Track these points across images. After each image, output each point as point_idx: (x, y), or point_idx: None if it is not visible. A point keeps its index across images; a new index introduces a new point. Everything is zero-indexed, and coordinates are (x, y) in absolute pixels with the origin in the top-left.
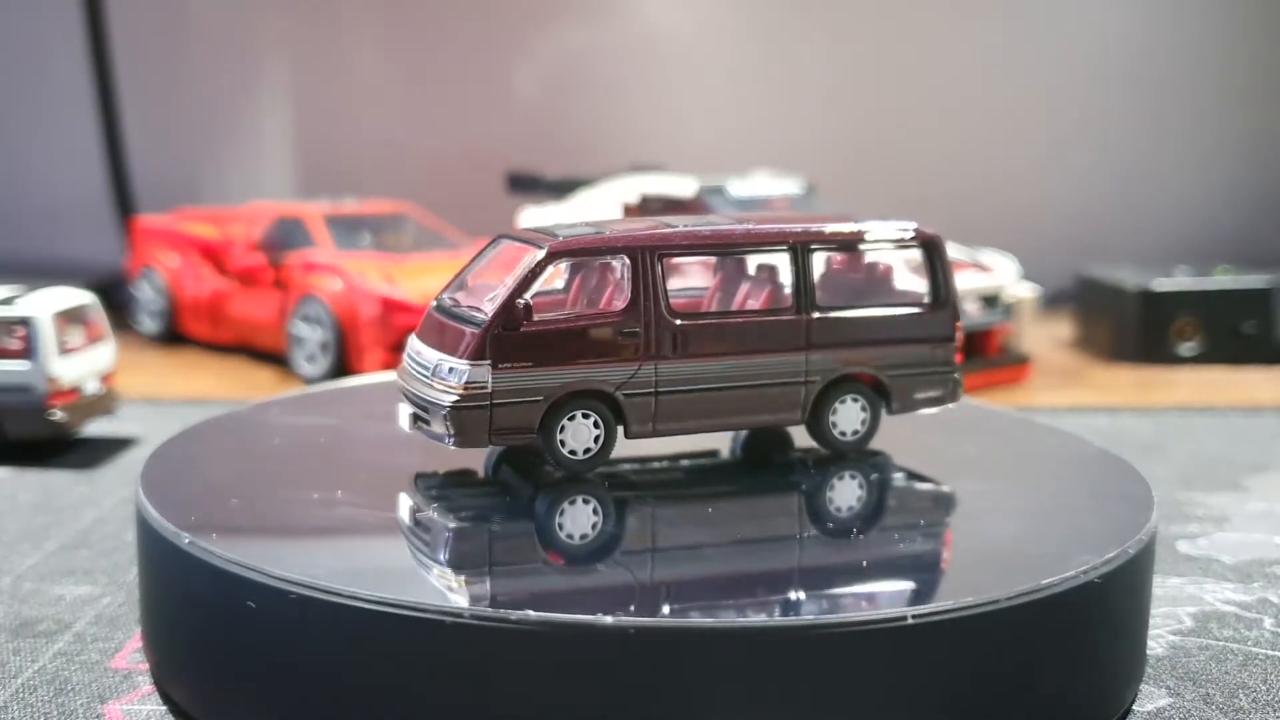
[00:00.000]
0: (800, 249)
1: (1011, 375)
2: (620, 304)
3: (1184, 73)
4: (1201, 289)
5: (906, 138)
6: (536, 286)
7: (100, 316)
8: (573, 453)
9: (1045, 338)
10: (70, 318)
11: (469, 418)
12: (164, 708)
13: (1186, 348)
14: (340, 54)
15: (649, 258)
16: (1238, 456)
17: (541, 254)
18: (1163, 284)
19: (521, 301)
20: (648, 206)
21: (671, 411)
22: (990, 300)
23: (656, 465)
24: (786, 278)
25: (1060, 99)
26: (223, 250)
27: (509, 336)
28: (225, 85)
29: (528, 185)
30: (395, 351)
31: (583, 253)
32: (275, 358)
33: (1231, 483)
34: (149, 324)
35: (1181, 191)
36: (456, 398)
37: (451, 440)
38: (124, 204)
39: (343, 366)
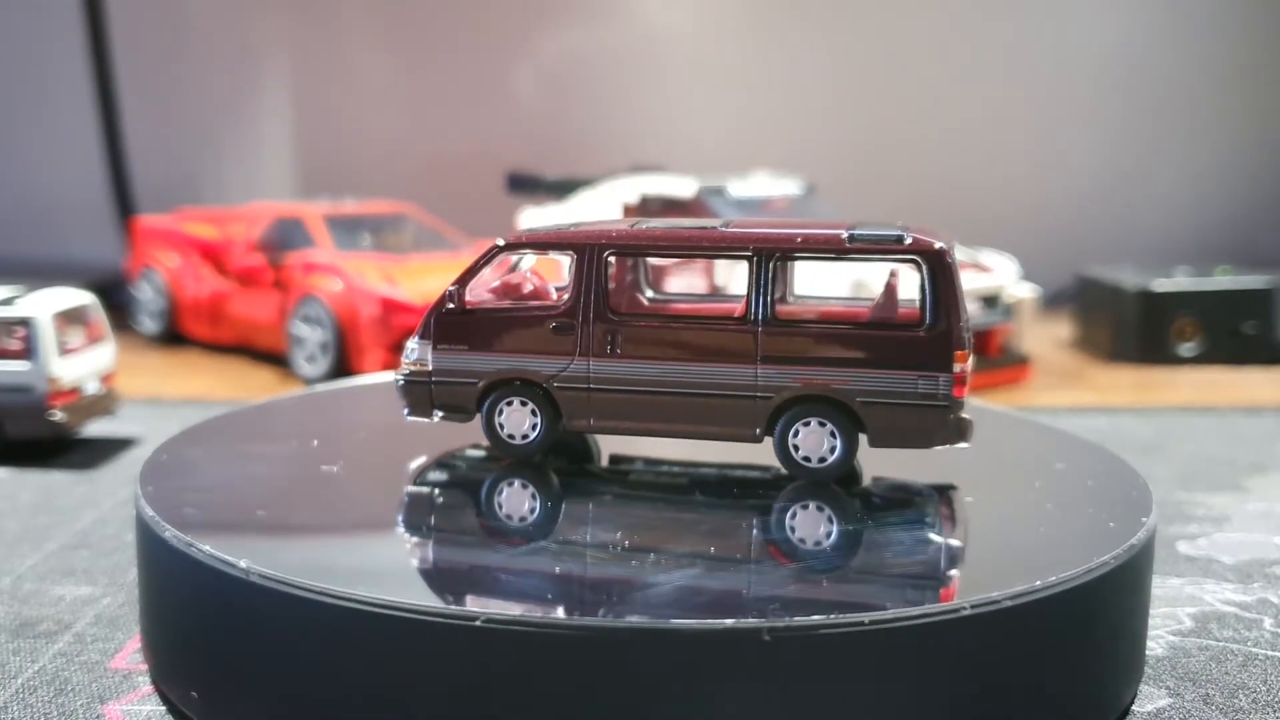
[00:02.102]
0: (762, 255)
1: (1011, 376)
2: (563, 298)
3: (1184, 74)
4: (1201, 289)
5: (906, 138)
6: (484, 274)
7: (100, 317)
8: (510, 437)
9: (1045, 338)
10: (70, 318)
11: (415, 391)
12: (163, 708)
13: (1186, 348)
14: (340, 54)
15: (593, 254)
16: (1237, 457)
17: (494, 245)
18: (1162, 284)
19: (452, 289)
20: (647, 207)
21: (608, 409)
22: (990, 301)
23: (686, 471)
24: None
25: (1061, 100)
26: (223, 250)
27: (450, 321)
28: (225, 85)
29: (528, 185)
30: (395, 352)
31: (531, 246)
32: (275, 358)
33: (1231, 483)
34: (149, 324)
35: (1181, 192)
36: (406, 372)
37: (406, 411)
38: (124, 204)
39: (343, 367)
